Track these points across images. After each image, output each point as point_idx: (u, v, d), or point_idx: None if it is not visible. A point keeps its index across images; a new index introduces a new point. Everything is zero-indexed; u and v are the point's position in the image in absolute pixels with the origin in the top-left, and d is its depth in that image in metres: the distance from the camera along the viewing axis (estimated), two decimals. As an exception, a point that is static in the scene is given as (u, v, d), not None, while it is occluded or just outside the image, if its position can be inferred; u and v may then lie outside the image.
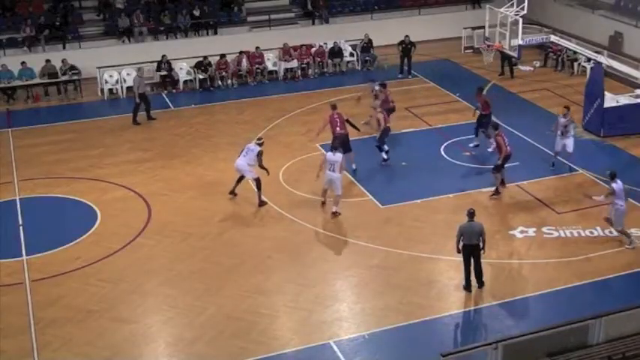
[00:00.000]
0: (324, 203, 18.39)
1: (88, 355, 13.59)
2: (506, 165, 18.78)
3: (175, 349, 13.80)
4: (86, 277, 15.90)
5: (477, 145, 21.21)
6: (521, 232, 17.26)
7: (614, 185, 16.26)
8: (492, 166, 19.04)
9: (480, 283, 15.12)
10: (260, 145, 18.75)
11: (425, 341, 13.75)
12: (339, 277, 15.92)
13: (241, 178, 18.89)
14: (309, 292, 15.36)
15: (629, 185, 18.99)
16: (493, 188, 18.77)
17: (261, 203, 18.67)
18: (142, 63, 27.24)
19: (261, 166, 18.63)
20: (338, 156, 17.78)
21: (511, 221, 17.74)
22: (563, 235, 17.09)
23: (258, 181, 18.60)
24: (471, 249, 14.85)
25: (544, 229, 17.24)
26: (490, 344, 11.28)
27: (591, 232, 17.13)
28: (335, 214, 17.91)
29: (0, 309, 14.82)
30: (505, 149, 18.41)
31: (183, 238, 17.37)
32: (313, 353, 13.50)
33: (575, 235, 17.09)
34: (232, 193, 19.05)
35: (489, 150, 20.61)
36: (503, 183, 18.90)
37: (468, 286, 15.05)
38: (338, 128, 19.80)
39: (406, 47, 28.01)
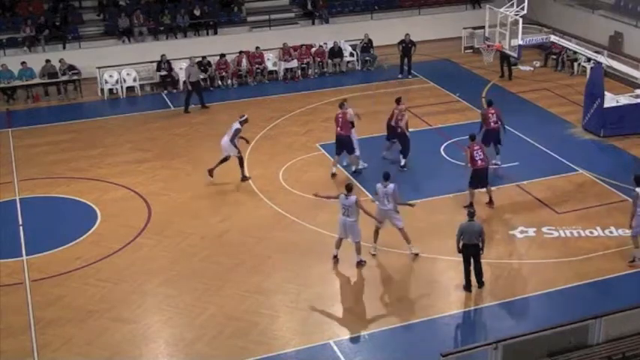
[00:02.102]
0: (336, 258, 16.18)
1: (88, 355, 13.59)
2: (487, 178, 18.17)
3: (175, 349, 13.81)
4: (86, 277, 15.91)
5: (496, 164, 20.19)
6: (521, 232, 17.26)
7: (378, 185, 16.08)
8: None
9: (480, 283, 15.12)
10: (241, 122, 19.75)
11: (425, 341, 13.75)
12: (339, 277, 15.91)
13: (225, 159, 19.78)
14: (309, 292, 15.36)
15: (630, 186, 19.01)
16: (490, 188, 18.44)
17: (244, 178, 19.83)
18: (142, 63, 27.29)
19: (233, 143, 19.55)
20: (351, 200, 15.62)
21: (511, 221, 17.74)
22: (563, 235, 17.09)
23: (240, 160, 19.81)
24: (471, 249, 14.85)
25: (544, 229, 17.24)
26: (490, 344, 11.29)
27: (591, 232, 17.12)
28: (360, 263, 16.08)
29: (0, 309, 14.82)
30: (472, 162, 17.63)
31: (183, 238, 17.37)
32: (313, 353, 13.50)
33: (575, 235, 17.08)
34: (211, 172, 19.87)
35: (493, 162, 19.83)
36: (491, 202, 18.24)
37: (468, 286, 15.05)
38: (339, 128, 19.74)
39: (406, 46, 27.95)
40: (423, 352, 13.33)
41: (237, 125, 19.65)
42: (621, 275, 15.59)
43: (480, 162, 17.74)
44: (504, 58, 26.75)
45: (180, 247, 17.01)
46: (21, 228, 17.89)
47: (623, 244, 16.60)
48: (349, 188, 15.80)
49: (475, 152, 17.75)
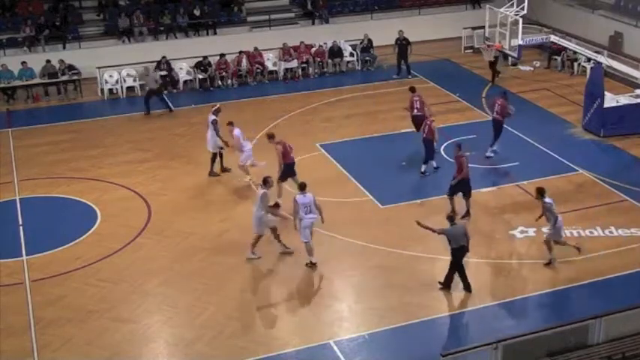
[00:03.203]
0: (314, 264, 16.09)
1: (88, 355, 13.60)
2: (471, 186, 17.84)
3: (175, 349, 13.81)
4: (86, 277, 15.91)
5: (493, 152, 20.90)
6: (521, 232, 17.24)
7: (298, 197, 15.78)
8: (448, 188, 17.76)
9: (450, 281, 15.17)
10: (215, 112, 20.01)
11: (425, 341, 13.76)
12: (339, 277, 15.91)
13: (221, 153, 20.21)
14: (309, 292, 15.37)
15: (629, 185, 19.05)
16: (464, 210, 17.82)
17: (211, 173, 20.19)
18: (142, 63, 27.26)
19: (218, 136, 19.69)
20: (309, 197, 15.79)
21: (511, 221, 17.73)
22: (563, 235, 17.07)
23: (214, 156, 20.08)
24: (462, 250, 14.84)
25: (544, 229, 17.19)
26: (490, 344, 11.30)
27: (591, 232, 17.12)
28: (315, 264, 16.08)
29: (0, 309, 14.83)
30: (466, 171, 17.37)
31: (183, 238, 17.37)
32: (313, 353, 13.50)
33: (575, 235, 17.07)
34: (224, 170, 20.24)
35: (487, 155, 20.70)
36: (468, 213, 17.81)
37: (467, 287, 15.03)
38: (292, 156, 18.65)
39: (401, 44, 27.90)
40: (423, 352, 13.34)
41: (211, 117, 19.90)
42: (621, 275, 15.59)
43: (467, 171, 17.57)
44: (493, 62, 26.75)
45: (180, 247, 17.01)
46: (21, 228, 17.89)
47: (623, 244, 16.62)
48: (303, 187, 15.88)
49: (467, 161, 17.62)
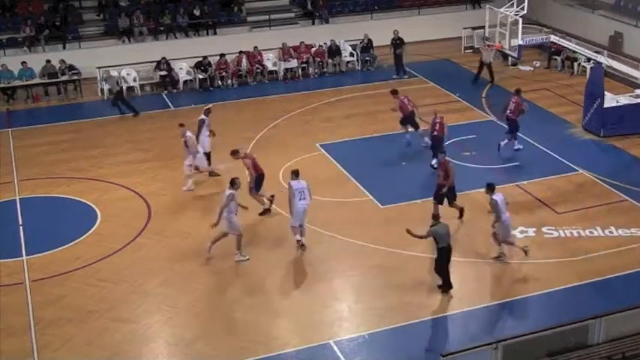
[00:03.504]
0: (303, 245, 16.55)
1: (88, 355, 13.60)
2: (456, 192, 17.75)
3: (175, 349, 13.81)
4: (86, 277, 15.91)
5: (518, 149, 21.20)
6: (521, 232, 17.22)
7: (292, 182, 16.38)
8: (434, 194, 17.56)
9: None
10: (205, 113, 20.22)
11: (425, 341, 13.77)
12: (339, 277, 15.91)
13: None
14: (309, 292, 15.37)
15: (629, 185, 19.04)
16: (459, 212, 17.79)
17: (211, 173, 20.13)
18: (142, 63, 27.29)
19: (197, 136, 19.66)
20: (303, 183, 16.31)
21: (511, 221, 17.70)
22: (563, 235, 17.08)
23: (208, 155, 20.04)
24: (449, 249, 14.84)
25: (544, 229, 17.24)
26: (490, 344, 11.30)
27: (591, 232, 17.12)
28: (304, 246, 16.56)
29: (0, 309, 14.83)
30: (452, 178, 17.33)
31: (183, 238, 17.37)
32: (313, 353, 13.50)
33: (575, 235, 17.08)
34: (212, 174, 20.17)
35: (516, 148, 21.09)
36: (462, 213, 17.67)
37: (450, 286, 15.02)
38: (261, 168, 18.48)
39: (396, 44, 27.95)
40: (423, 352, 13.33)
41: (200, 117, 19.97)
42: (621, 275, 15.59)
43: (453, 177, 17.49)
44: (484, 64, 26.79)
45: (180, 247, 17.01)
46: (21, 228, 17.89)
47: (623, 244, 16.62)
48: (296, 173, 16.42)
49: (451, 167, 17.56)
